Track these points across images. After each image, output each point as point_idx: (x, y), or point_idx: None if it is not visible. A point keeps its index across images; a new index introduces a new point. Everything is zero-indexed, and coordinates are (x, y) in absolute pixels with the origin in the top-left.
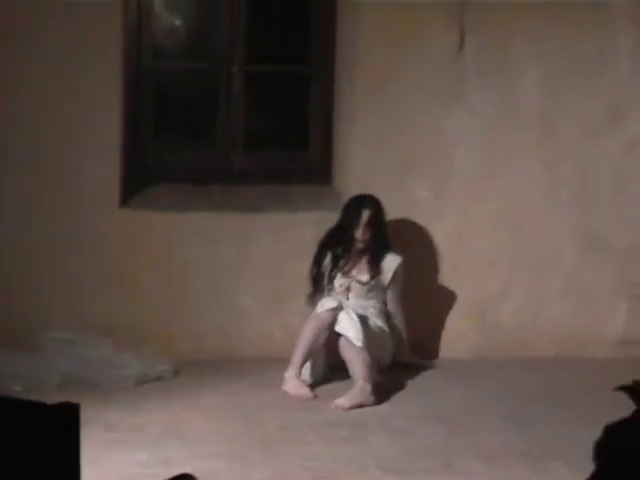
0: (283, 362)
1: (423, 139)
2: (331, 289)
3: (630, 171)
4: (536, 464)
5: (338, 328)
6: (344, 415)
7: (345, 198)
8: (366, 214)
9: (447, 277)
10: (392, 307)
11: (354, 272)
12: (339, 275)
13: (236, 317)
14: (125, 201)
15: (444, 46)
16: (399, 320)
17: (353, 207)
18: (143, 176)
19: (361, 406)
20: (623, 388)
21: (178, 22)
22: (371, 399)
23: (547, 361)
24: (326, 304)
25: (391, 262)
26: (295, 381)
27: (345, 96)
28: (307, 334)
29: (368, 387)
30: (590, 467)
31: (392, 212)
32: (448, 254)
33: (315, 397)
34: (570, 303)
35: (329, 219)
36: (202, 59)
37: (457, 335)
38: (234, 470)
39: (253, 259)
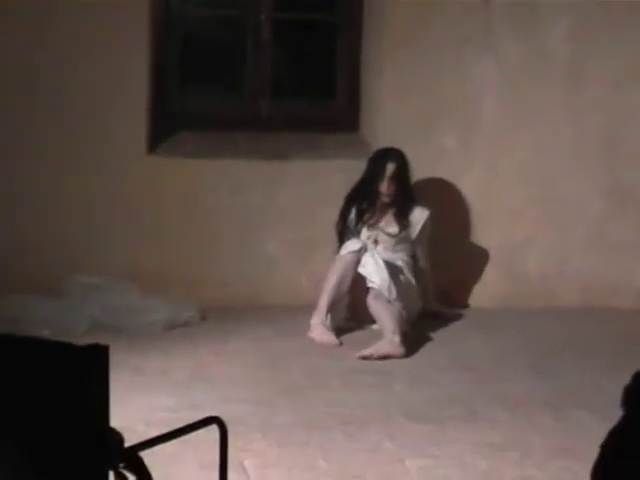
0: (309, 310)
1: (450, 90)
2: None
3: None
4: (560, 412)
5: (362, 270)
6: (369, 363)
7: (372, 146)
8: (391, 167)
9: (473, 227)
10: (421, 259)
11: (382, 224)
12: (365, 228)
13: (262, 264)
14: (152, 148)
15: None
16: (426, 271)
17: (378, 160)
18: (170, 123)
19: (388, 357)
20: None
21: None
22: (400, 350)
23: (572, 311)
24: (349, 246)
25: (419, 215)
26: (321, 328)
27: (373, 45)
28: (331, 279)
29: (397, 339)
30: (615, 415)
31: (419, 162)
32: (475, 204)
33: (340, 344)
34: (596, 253)
35: (356, 167)
36: (230, 6)
37: (483, 285)
38: (260, 415)
39: (279, 207)
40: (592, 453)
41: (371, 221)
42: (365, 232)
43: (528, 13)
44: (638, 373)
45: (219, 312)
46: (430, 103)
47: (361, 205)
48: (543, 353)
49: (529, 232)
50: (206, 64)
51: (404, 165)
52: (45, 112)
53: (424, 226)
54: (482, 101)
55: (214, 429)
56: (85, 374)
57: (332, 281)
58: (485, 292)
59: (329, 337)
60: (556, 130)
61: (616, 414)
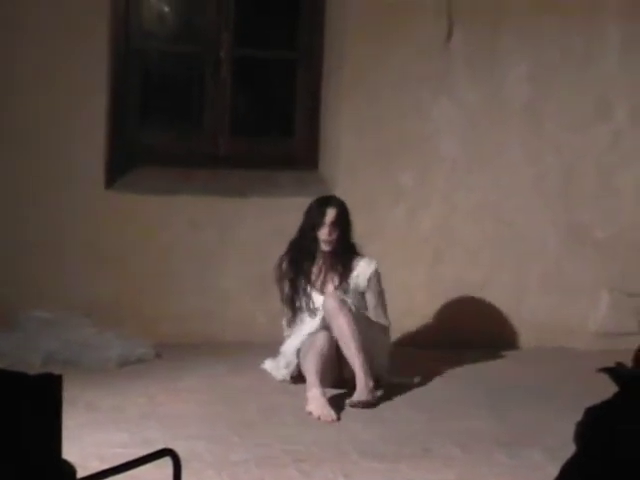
0: (264, 347)
1: (409, 128)
2: (312, 309)
3: (614, 164)
4: (513, 451)
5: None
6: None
7: (330, 184)
8: (331, 212)
9: (430, 265)
10: (372, 314)
11: (327, 286)
12: (315, 292)
13: (218, 301)
14: (110, 183)
15: (432, 36)
16: (387, 329)
17: (316, 207)
18: (129, 158)
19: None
20: (605, 369)
21: (166, 8)
22: (376, 396)
23: (527, 351)
24: (306, 329)
25: (366, 267)
26: (321, 400)
27: (332, 83)
28: (312, 367)
29: (371, 383)
30: (567, 454)
31: (378, 199)
32: (431, 242)
33: (339, 419)
34: (552, 294)
35: None
36: (190, 43)
37: (438, 322)
38: (215, 452)
39: (237, 244)
40: None
41: (317, 283)
42: (318, 297)
43: (487, 54)
44: (589, 409)
45: (174, 348)
46: (389, 141)
47: (302, 264)
48: (498, 392)
49: (486, 270)
50: (166, 100)
51: (345, 212)
52: (2, 143)
53: (371, 279)
54: (440, 140)
55: (167, 466)
56: (38, 403)
57: (314, 367)
58: (440, 329)
59: (328, 411)
60: (514, 170)
61: (568, 453)
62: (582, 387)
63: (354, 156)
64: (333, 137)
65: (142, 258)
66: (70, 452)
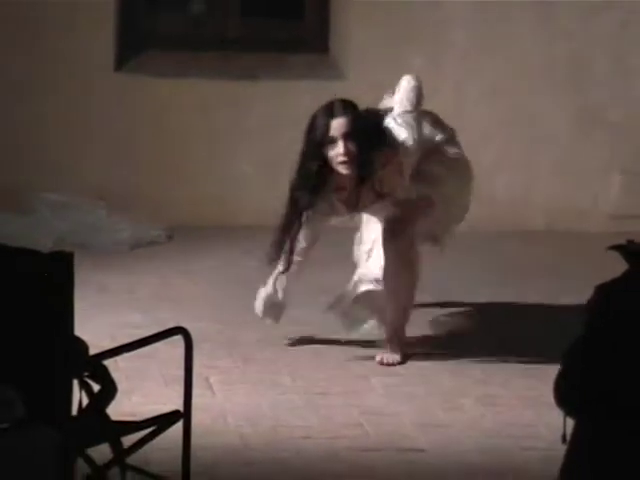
0: None
1: (421, 11)
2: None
3: (625, 46)
4: (526, 329)
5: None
6: (336, 283)
7: (341, 68)
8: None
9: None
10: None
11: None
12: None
13: (232, 185)
14: (120, 66)
15: None
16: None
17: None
18: (138, 41)
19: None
20: (616, 247)
21: None
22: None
23: (539, 234)
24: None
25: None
26: None
27: None
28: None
29: (396, 341)
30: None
31: (388, 83)
32: None
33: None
34: (563, 177)
35: (324, 87)
36: None
37: None
38: (226, 333)
39: (248, 127)
40: (555, 372)
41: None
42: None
43: None
44: (599, 286)
45: (187, 232)
46: (400, 24)
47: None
48: (509, 274)
49: (497, 155)
50: None
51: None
52: (11, 30)
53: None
54: (451, 24)
55: (179, 345)
56: (50, 279)
57: None
58: None
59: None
60: (525, 53)
61: (579, 331)
62: (594, 268)
63: (365, 40)
64: (344, 19)
65: (153, 141)
66: (82, 332)
